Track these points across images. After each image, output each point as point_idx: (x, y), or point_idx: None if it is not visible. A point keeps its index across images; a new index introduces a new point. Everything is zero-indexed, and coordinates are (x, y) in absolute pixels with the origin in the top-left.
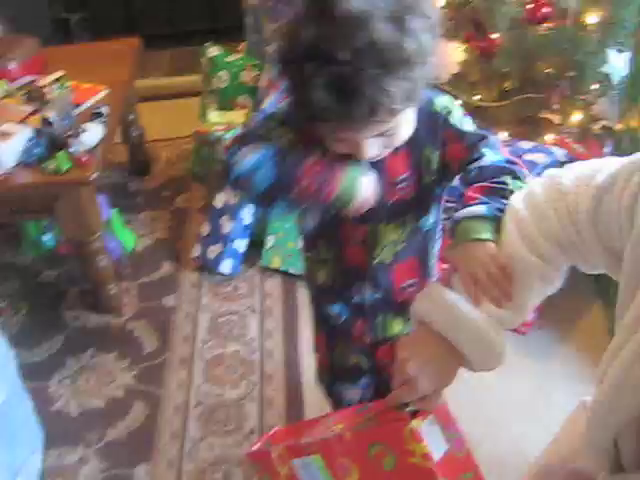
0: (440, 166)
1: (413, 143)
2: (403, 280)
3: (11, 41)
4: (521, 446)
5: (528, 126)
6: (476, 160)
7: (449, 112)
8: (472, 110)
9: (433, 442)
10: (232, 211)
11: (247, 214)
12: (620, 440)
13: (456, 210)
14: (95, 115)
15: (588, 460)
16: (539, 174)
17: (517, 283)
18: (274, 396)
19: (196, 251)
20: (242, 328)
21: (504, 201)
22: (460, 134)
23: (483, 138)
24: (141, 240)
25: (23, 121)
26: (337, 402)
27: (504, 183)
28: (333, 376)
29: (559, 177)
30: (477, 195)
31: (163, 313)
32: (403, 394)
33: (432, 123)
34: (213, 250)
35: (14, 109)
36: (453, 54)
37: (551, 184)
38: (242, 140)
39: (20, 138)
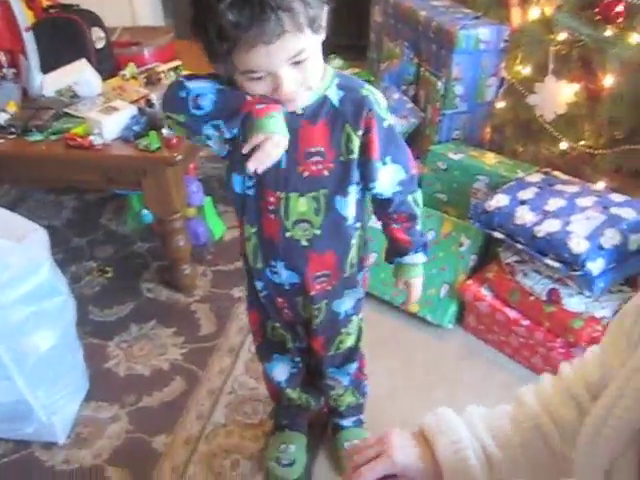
0: (360, 149)
1: (335, 118)
2: (317, 269)
3: (149, 31)
4: None
5: (629, 179)
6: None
7: (376, 100)
8: (575, 155)
9: None
10: None
11: None
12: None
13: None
14: None
15: None
16: (622, 230)
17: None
18: None
19: None
20: None
21: (419, 228)
22: (379, 126)
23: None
24: (230, 231)
25: (136, 101)
26: (268, 381)
27: (411, 207)
28: (264, 353)
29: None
30: (406, 237)
31: (228, 302)
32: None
33: (357, 105)
34: None
35: (132, 89)
36: (560, 93)
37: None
38: (188, 77)
39: (125, 114)
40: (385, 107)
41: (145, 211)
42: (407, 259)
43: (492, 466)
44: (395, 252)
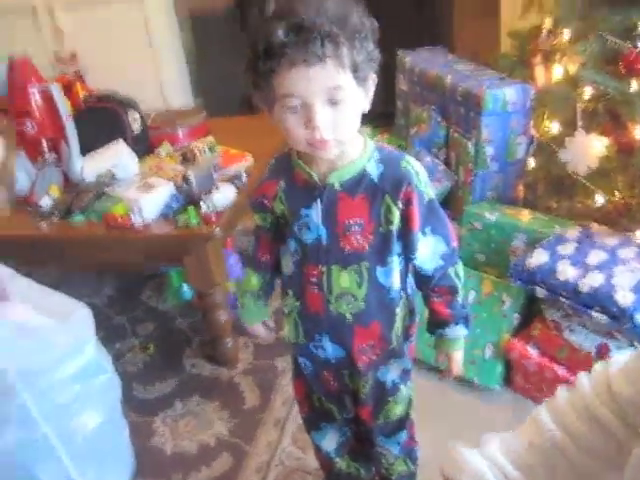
0: (400, 221)
1: (374, 192)
2: (363, 342)
3: (183, 113)
4: None
5: None
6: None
7: (416, 174)
8: (610, 207)
9: None
10: None
11: None
12: None
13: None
14: (234, 178)
15: None
16: None
17: None
18: None
19: None
20: None
21: (460, 300)
22: (420, 200)
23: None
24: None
25: (173, 178)
26: (317, 451)
27: (452, 280)
28: (311, 423)
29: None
30: (447, 311)
31: (272, 373)
32: None
33: (397, 180)
34: None
35: (168, 167)
36: (591, 147)
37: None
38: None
39: (163, 192)
40: (426, 180)
41: (185, 287)
42: (448, 332)
43: None
44: (435, 324)
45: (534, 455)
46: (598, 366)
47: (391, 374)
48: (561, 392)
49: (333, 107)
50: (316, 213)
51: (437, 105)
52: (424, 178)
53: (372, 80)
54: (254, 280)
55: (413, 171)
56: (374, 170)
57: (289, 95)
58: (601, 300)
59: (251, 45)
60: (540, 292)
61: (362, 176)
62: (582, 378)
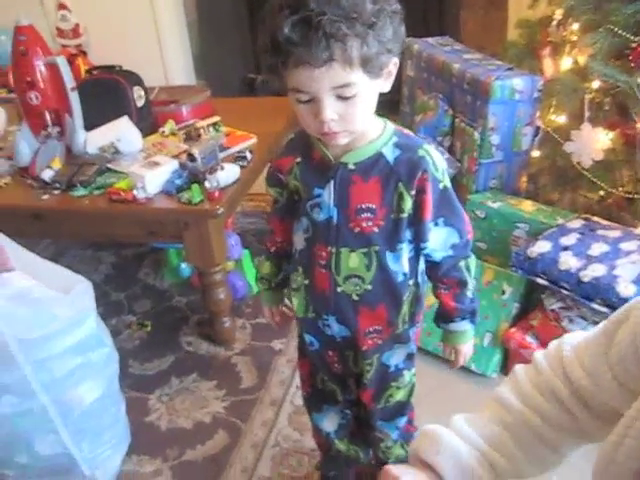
0: (413, 209)
1: (388, 177)
2: (368, 324)
3: (185, 90)
4: None
5: None
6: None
7: (432, 162)
8: (613, 201)
9: None
10: None
11: None
12: None
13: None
14: (239, 158)
15: None
16: None
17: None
18: None
19: None
20: None
21: (469, 294)
22: (434, 189)
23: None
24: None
25: (177, 156)
26: (316, 432)
27: (462, 273)
28: (313, 404)
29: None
30: (453, 304)
31: (268, 354)
32: None
33: (412, 166)
34: None
35: (172, 145)
36: (597, 140)
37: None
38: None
39: (167, 169)
40: (443, 169)
41: (183, 265)
42: (453, 326)
43: (496, 469)
44: (442, 317)
45: (508, 437)
46: (552, 346)
47: (395, 358)
48: (520, 371)
49: (344, 101)
50: (328, 194)
51: (444, 93)
52: (441, 167)
53: (393, 64)
54: (268, 266)
55: (430, 159)
56: (390, 153)
57: (298, 90)
58: (602, 291)
59: (262, 32)
60: (541, 282)
61: (377, 158)
62: (539, 357)
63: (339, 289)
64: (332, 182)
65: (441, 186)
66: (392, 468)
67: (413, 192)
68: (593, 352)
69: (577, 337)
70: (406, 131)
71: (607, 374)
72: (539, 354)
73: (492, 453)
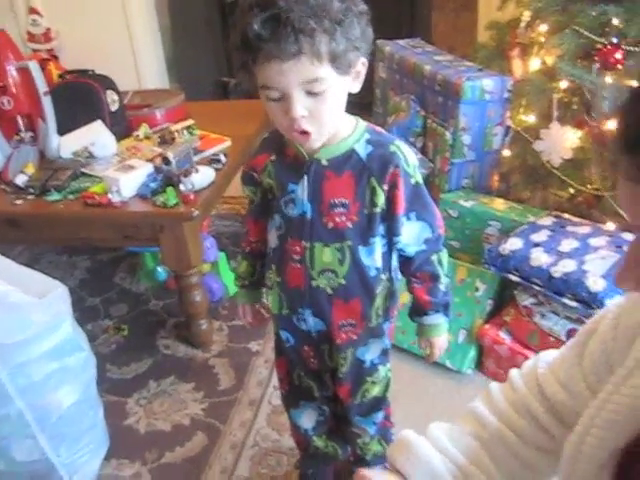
0: (385, 203)
1: (361, 172)
2: (342, 317)
3: (159, 94)
4: None
5: None
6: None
7: (404, 157)
8: (583, 198)
9: None
10: None
11: None
12: None
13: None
14: (213, 161)
15: None
16: None
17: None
18: None
19: None
20: None
21: (442, 288)
22: (406, 184)
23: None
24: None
25: (151, 159)
26: (295, 429)
27: (434, 267)
28: (290, 401)
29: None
30: (426, 298)
31: (246, 356)
32: None
33: (384, 161)
34: None
35: (146, 148)
36: (566, 139)
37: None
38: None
39: (141, 172)
40: (414, 165)
41: (159, 269)
42: (427, 319)
43: None
44: (416, 311)
45: (484, 452)
46: (527, 364)
47: (370, 354)
48: (495, 389)
49: (313, 97)
50: (302, 189)
51: (416, 94)
52: (413, 163)
53: (362, 64)
54: (244, 265)
55: (402, 155)
56: (362, 150)
57: (268, 87)
58: (573, 286)
59: (233, 31)
60: (514, 278)
61: (350, 154)
62: (515, 376)
63: (314, 283)
64: (305, 177)
65: (413, 181)
66: (365, 471)
67: (385, 187)
68: (568, 364)
69: (552, 354)
70: (378, 128)
71: (581, 383)
72: (515, 372)
73: (469, 467)
